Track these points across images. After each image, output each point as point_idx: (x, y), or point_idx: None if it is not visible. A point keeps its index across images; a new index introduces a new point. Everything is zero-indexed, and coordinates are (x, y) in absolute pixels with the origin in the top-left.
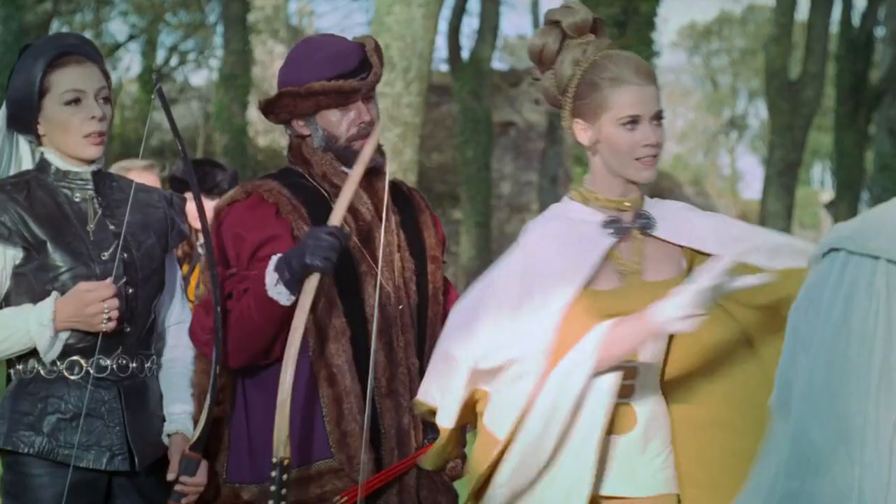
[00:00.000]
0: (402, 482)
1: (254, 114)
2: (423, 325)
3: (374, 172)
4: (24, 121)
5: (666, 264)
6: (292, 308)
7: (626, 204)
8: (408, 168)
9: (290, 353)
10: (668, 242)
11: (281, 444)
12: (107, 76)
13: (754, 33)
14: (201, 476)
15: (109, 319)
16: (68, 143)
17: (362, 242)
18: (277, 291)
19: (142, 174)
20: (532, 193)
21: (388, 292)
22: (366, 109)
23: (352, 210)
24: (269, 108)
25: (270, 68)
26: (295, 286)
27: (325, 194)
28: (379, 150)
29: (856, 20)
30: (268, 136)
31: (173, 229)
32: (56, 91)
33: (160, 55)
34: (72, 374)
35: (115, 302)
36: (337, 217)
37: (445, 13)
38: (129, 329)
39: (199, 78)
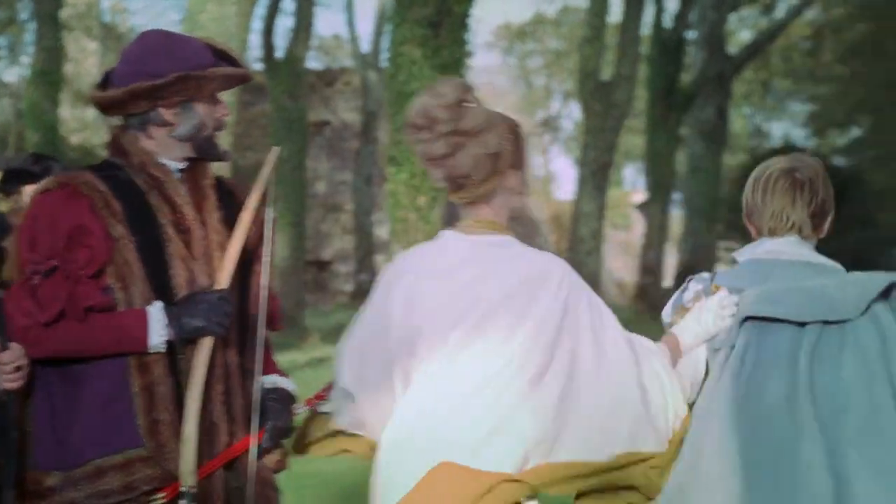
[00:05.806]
0: (212, 474)
1: (66, 111)
2: (245, 323)
3: (200, 167)
4: None
5: None
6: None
7: None
8: (220, 167)
9: (191, 408)
10: None
11: (188, 475)
12: None
13: (568, 34)
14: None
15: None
16: None
17: (179, 234)
18: (158, 343)
19: None
20: (347, 193)
21: (206, 288)
22: (224, 104)
23: (169, 202)
24: (154, 93)
25: (83, 65)
26: (180, 344)
27: (142, 186)
28: (217, 148)
29: (668, 23)
30: (80, 134)
31: None
32: None
33: None
34: None
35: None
36: (225, 278)
37: (259, 11)
38: None
39: (11, 75)
